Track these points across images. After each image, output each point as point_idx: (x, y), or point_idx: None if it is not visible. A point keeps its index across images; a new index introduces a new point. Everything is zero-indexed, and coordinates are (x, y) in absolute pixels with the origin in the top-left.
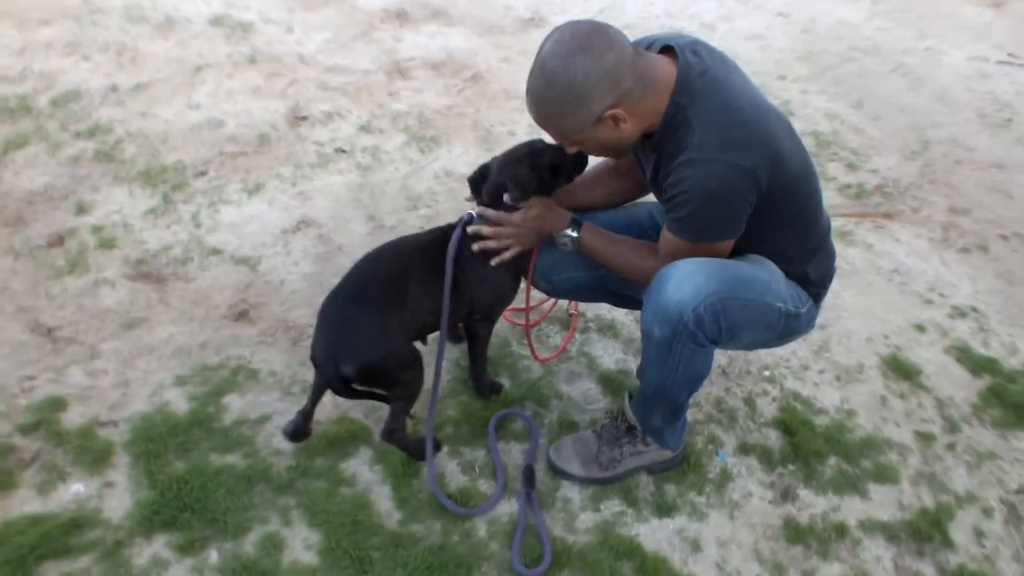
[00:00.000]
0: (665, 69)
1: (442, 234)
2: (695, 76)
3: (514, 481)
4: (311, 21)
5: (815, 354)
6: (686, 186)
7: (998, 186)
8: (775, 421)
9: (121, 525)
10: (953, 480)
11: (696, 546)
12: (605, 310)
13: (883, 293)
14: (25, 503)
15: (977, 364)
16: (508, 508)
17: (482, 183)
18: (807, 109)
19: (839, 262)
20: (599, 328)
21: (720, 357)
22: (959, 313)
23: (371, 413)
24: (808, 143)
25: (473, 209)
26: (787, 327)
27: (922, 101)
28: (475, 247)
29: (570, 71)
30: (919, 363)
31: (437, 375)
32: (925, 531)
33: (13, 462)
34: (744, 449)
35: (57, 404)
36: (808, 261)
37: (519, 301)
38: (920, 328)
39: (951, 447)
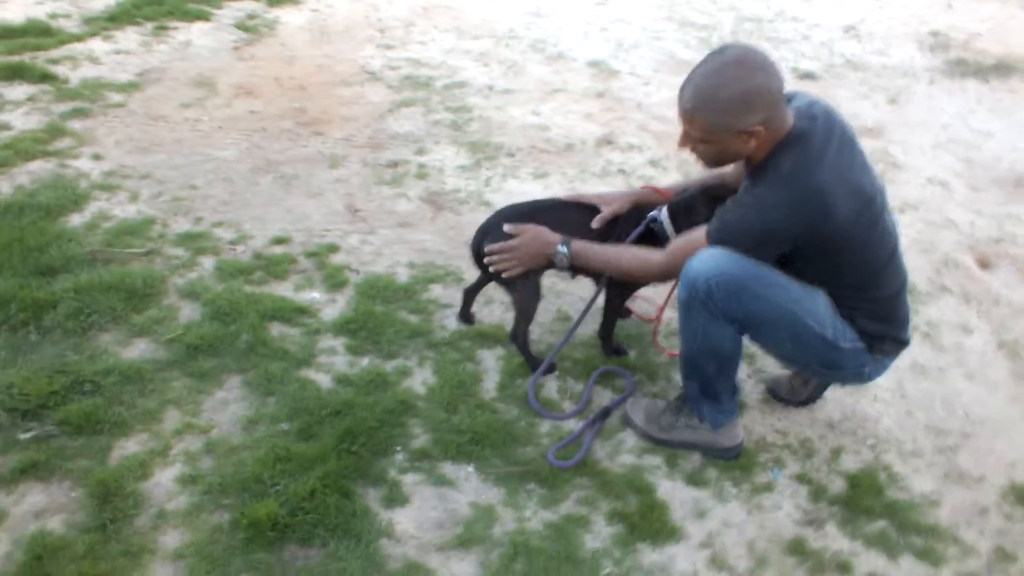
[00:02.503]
0: (789, 118)
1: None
2: (796, 138)
3: (592, 412)
4: (667, 82)
5: (937, 450)
6: (734, 216)
7: None
8: (848, 474)
9: (325, 323)
10: None
11: (701, 514)
12: None
13: None
14: (284, 290)
15: None
16: (575, 426)
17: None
18: None
19: None
20: (752, 351)
21: (834, 411)
22: None
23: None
24: None
25: (654, 213)
26: (826, 355)
27: None
28: (488, 265)
29: (751, 81)
30: None
31: (581, 317)
32: None
33: (290, 268)
34: (801, 479)
35: (332, 248)
36: (855, 311)
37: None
38: None
39: None
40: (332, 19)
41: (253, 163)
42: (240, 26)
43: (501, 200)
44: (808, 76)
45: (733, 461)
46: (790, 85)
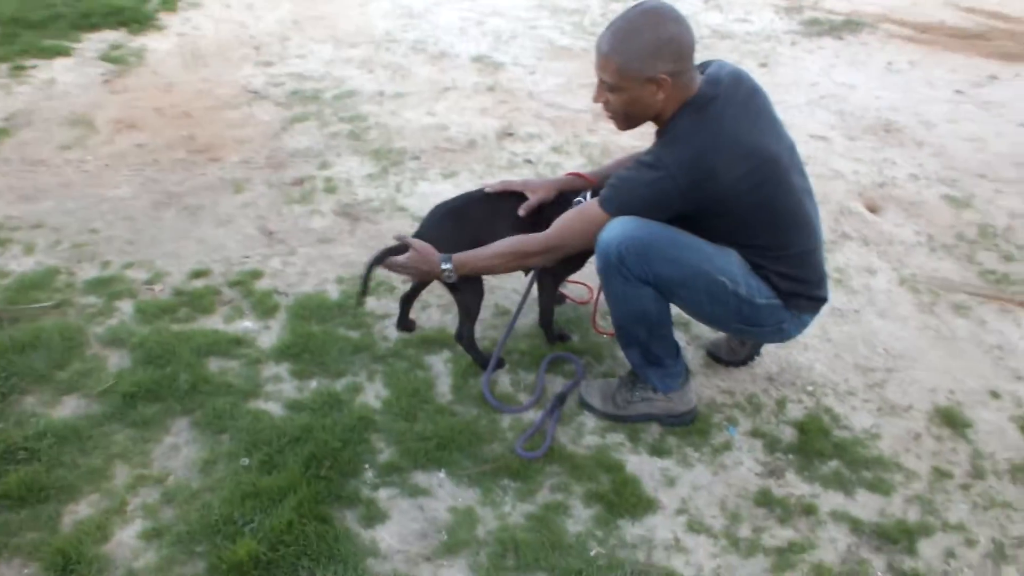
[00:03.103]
0: (696, 82)
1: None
2: (697, 103)
3: (548, 401)
4: (552, 68)
5: (868, 387)
6: (626, 175)
7: None
8: (795, 422)
9: (264, 351)
10: (949, 510)
11: (671, 482)
12: None
13: (972, 360)
14: (214, 323)
15: None
16: (534, 416)
17: None
18: (990, 205)
19: (940, 328)
20: (683, 323)
21: (771, 364)
22: None
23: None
24: (970, 232)
25: (583, 196)
26: (743, 311)
27: None
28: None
29: (664, 29)
30: (974, 420)
31: (518, 310)
32: (893, 535)
33: (216, 300)
34: (755, 434)
35: (256, 275)
36: (767, 269)
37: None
38: (995, 395)
39: (966, 488)
40: (202, 42)
41: (152, 198)
42: (106, 58)
43: (416, 204)
44: None
45: (690, 426)
46: None
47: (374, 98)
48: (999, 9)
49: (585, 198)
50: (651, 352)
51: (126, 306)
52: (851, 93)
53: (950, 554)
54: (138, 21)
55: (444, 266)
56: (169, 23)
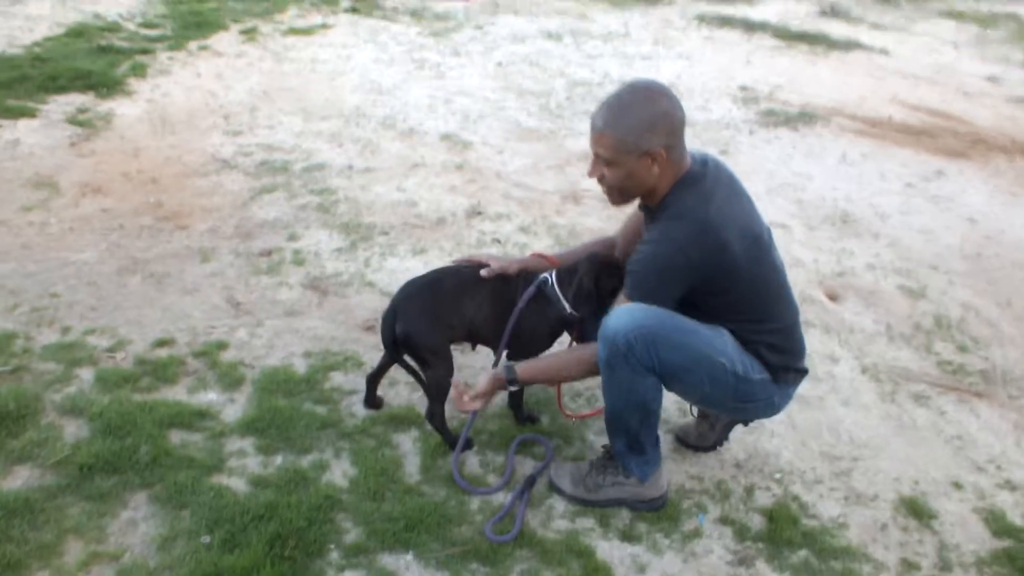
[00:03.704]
0: (687, 158)
1: (509, 279)
2: (692, 181)
3: (517, 483)
4: (519, 150)
5: (834, 475)
6: (643, 248)
7: None
8: (764, 510)
9: (228, 424)
10: None
11: (641, 569)
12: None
13: (934, 450)
14: (177, 394)
15: (1004, 529)
16: (504, 499)
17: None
18: (944, 296)
19: (902, 417)
20: None
21: (739, 451)
22: (1009, 486)
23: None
24: (926, 322)
25: (549, 275)
26: (740, 389)
27: None
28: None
29: (657, 105)
30: (939, 511)
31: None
32: None
33: (180, 370)
34: (724, 521)
35: (222, 345)
36: (759, 344)
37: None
38: (958, 486)
39: None
40: (171, 108)
41: (117, 264)
42: (72, 121)
43: (385, 280)
44: None
45: (660, 512)
46: None
47: (343, 172)
48: (941, 108)
49: (549, 278)
50: (638, 441)
51: (86, 374)
52: (808, 183)
53: None
54: (106, 85)
55: (508, 376)
56: (138, 88)
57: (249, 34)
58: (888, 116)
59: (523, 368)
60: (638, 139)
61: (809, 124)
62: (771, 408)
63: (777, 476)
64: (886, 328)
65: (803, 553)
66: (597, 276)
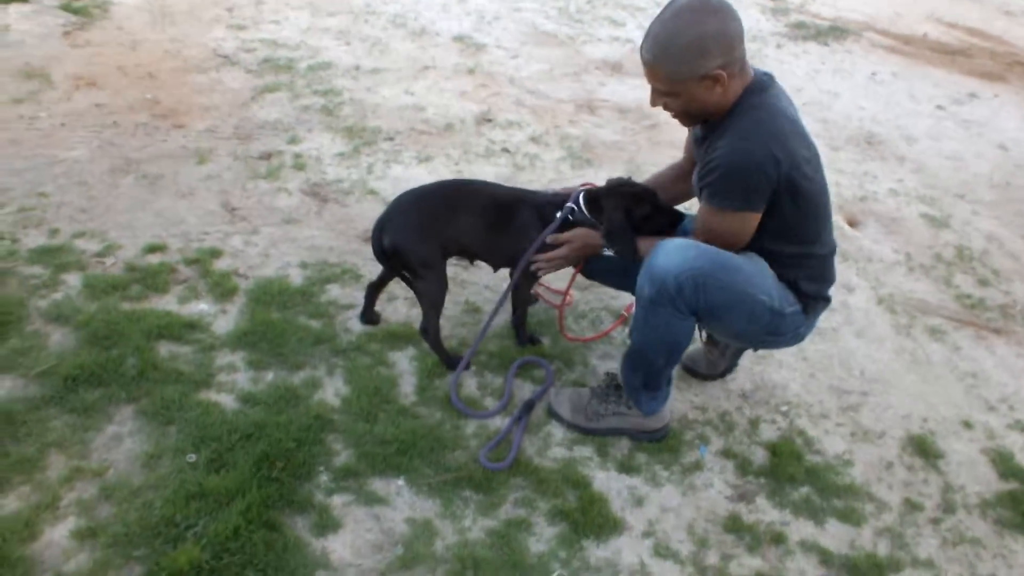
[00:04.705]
0: (751, 68)
1: (514, 199)
2: (760, 88)
3: (515, 408)
4: (535, 54)
5: (841, 410)
6: (718, 154)
7: None
8: (768, 444)
9: (219, 336)
10: (919, 546)
11: (638, 502)
12: None
13: (947, 387)
14: (167, 304)
15: (1010, 470)
16: (500, 423)
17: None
18: (967, 226)
19: (916, 352)
20: None
21: (745, 381)
22: (1020, 427)
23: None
24: (947, 253)
25: (571, 205)
26: (772, 323)
27: None
28: (533, 267)
29: (702, 26)
30: (946, 450)
31: (495, 310)
32: (863, 570)
33: (171, 278)
34: (727, 454)
35: (215, 253)
36: (800, 272)
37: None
38: (967, 425)
39: (936, 521)
40: None
41: (109, 163)
42: (67, 8)
43: (387, 188)
44: None
45: (661, 443)
46: None
47: (350, 72)
48: (980, 27)
49: (575, 205)
50: (656, 379)
51: (74, 279)
52: (835, 101)
53: None
54: None
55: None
56: None
57: None
58: (923, 33)
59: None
60: (692, 66)
61: (840, 39)
62: (797, 339)
63: (784, 409)
64: (905, 258)
65: (805, 490)
66: (627, 209)
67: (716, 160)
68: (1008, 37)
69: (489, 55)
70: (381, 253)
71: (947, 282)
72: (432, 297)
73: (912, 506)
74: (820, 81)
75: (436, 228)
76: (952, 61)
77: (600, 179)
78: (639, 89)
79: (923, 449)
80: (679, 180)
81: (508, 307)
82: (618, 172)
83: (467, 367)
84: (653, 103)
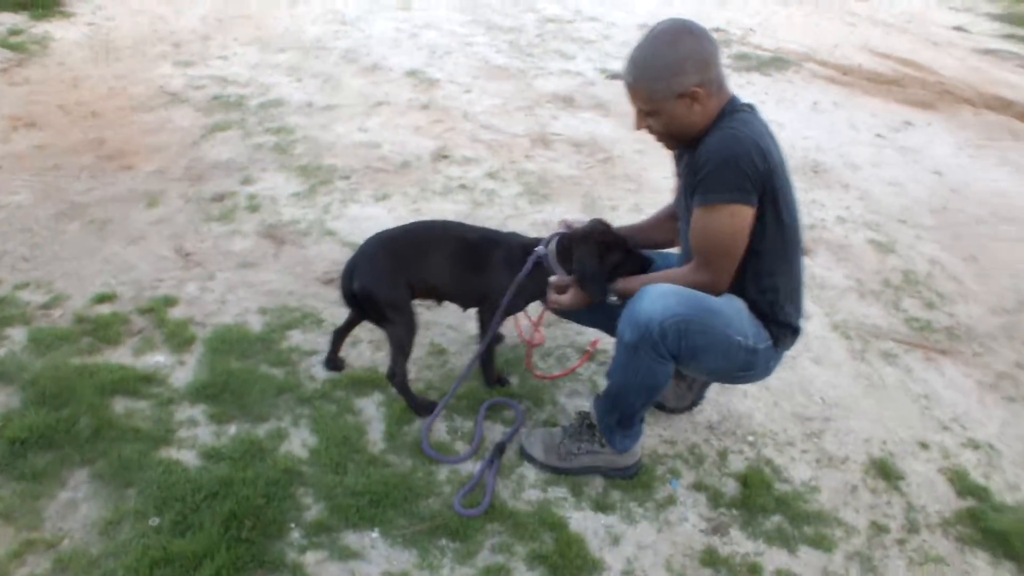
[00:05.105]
0: (728, 87)
1: (487, 239)
2: (739, 108)
3: (487, 451)
4: (488, 88)
5: (806, 436)
6: (706, 151)
7: None
8: (738, 474)
9: (178, 390)
10: (888, 567)
11: (616, 540)
12: None
13: (902, 409)
14: (121, 357)
15: (967, 488)
16: (472, 468)
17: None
18: (911, 251)
19: (871, 376)
20: None
21: (712, 413)
22: (973, 445)
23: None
24: (895, 278)
25: (540, 250)
26: (746, 361)
27: None
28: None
29: (677, 46)
30: (906, 471)
31: (474, 360)
32: None
33: (124, 330)
34: (699, 487)
35: (170, 301)
36: (789, 302)
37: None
38: (924, 445)
39: (902, 542)
40: (115, 33)
41: (54, 208)
42: (3, 44)
43: (345, 228)
44: (617, 76)
45: (634, 479)
46: (602, 87)
47: (302, 109)
48: (911, 57)
49: (545, 250)
50: (632, 418)
51: (18, 333)
52: (779, 131)
53: None
54: (42, 5)
55: (612, 298)
56: (79, 10)
57: None
58: (859, 64)
59: (622, 284)
60: (669, 84)
61: (781, 70)
62: (766, 372)
63: (750, 439)
64: (857, 284)
65: (776, 519)
66: (600, 255)
67: (704, 155)
68: (936, 67)
69: (442, 90)
70: (351, 297)
71: (896, 306)
72: (401, 341)
73: (878, 528)
74: (765, 111)
75: (406, 271)
76: (887, 91)
77: (558, 215)
78: (591, 123)
79: (885, 471)
80: (668, 221)
81: (473, 348)
82: (576, 207)
83: (439, 415)
84: (638, 126)
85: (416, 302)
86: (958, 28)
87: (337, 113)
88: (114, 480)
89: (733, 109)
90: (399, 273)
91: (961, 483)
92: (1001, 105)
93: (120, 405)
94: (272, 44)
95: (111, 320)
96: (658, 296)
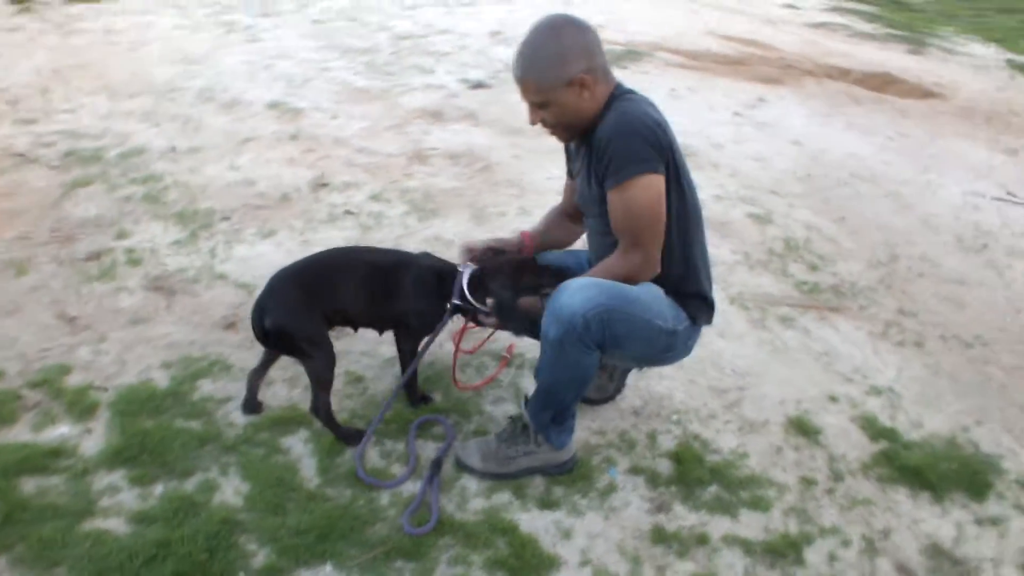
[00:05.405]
0: (615, 80)
1: (398, 262)
2: (627, 93)
3: (424, 469)
4: (355, 112)
5: (725, 408)
6: (605, 131)
7: (954, 296)
8: (670, 453)
9: (91, 459)
10: (822, 516)
11: (567, 534)
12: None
13: (807, 369)
14: (19, 435)
15: (878, 432)
16: (412, 488)
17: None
18: (787, 219)
19: (774, 341)
20: (533, 366)
21: (634, 399)
22: (875, 392)
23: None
24: (777, 246)
25: (463, 268)
26: (666, 344)
27: (905, 223)
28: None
29: (560, 36)
30: (822, 425)
31: (397, 388)
32: (782, 550)
33: (17, 406)
34: (635, 471)
35: (63, 370)
36: (706, 281)
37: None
38: (833, 399)
39: (830, 491)
40: None
41: None
42: None
43: (237, 270)
44: (480, 85)
45: (572, 473)
46: (466, 98)
47: (166, 155)
48: (752, 37)
49: (462, 295)
50: (564, 413)
51: None
52: None
53: (832, 557)
54: None
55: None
56: None
57: (22, 3)
58: (706, 48)
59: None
60: (557, 73)
61: (636, 61)
62: (686, 352)
63: (675, 418)
64: (744, 257)
65: (713, 489)
66: (514, 284)
67: (604, 137)
68: (776, 43)
69: (309, 118)
70: (263, 336)
71: (783, 273)
72: (321, 374)
73: (807, 482)
74: None
75: (318, 302)
76: (736, 71)
77: (448, 228)
78: (463, 134)
79: (803, 429)
80: (565, 219)
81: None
82: (464, 218)
83: (370, 440)
84: (532, 120)
85: (334, 333)
86: (789, 6)
87: (204, 155)
88: (38, 563)
89: (620, 94)
90: (312, 305)
91: (872, 428)
92: (839, 73)
93: (29, 485)
94: (120, 91)
95: (2, 398)
96: (577, 289)
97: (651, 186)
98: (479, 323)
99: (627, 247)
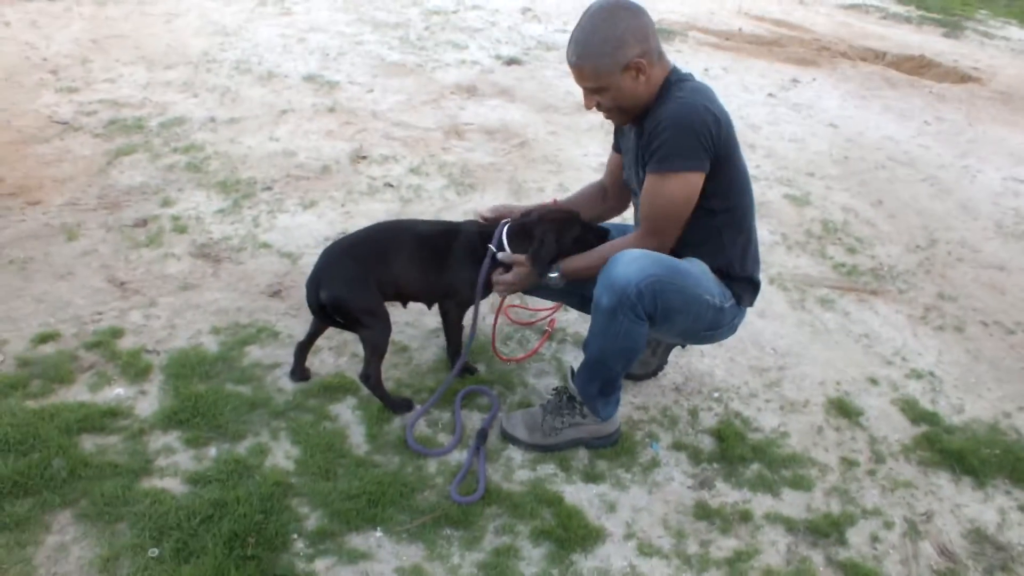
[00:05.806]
0: (670, 63)
1: (445, 232)
2: (683, 77)
3: (470, 439)
4: (390, 86)
5: (766, 387)
6: (661, 118)
7: (994, 282)
8: (712, 430)
9: (147, 420)
10: (864, 497)
11: (612, 507)
12: (584, 327)
13: (848, 350)
14: (78, 394)
15: (919, 415)
16: (459, 457)
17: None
18: (825, 201)
19: (814, 323)
20: (575, 341)
21: (676, 375)
22: (916, 375)
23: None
24: (815, 228)
25: (492, 247)
26: (713, 319)
27: (943, 207)
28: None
29: (614, 21)
30: (863, 407)
31: (464, 351)
32: (824, 529)
33: (74, 367)
34: (678, 447)
35: (116, 333)
36: (753, 265)
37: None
38: (873, 381)
39: (872, 473)
40: None
41: None
42: None
43: (280, 239)
44: (514, 61)
45: (616, 448)
46: (501, 74)
47: (206, 125)
48: (784, 18)
49: (501, 243)
50: (612, 384)
51: None
52: None
53: (875, 538)
54: None
55: (553, 275)
56: None
57: None
58: (739, 28)
59: (566, 263)
60: (613, 58)
61: (668, 40)
62: (731, 331)
63: (716, 395)
64: (782, 238)
65: (755, 466)
66: (558, 233)
67: (660, 125)
68: (809, 25)
69: (345, 92)
70: (319, 308)
71: (822, 254)
72: (377, 344)
73: (849, 463)
74: None
75: (373, 274)
76: (770, 51)
77: (487, 203)
78: (499, 109)
79: (844, 410)
80: (599, 199)
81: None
82: (502, 193)
83: (407, 407)
84: (587, 105)
85: None
86: None
87: (243, 125)
88: (101, 518)
89: (678, 79)
90: (367, 277)
91: (913, 411)
92: (874, 56)
93: (89, 443)
94: (158, 62)
95: (58, 359)
96: (631, 260)
97: (688, 184)
98: (498, 284)
99: (646, 232)
